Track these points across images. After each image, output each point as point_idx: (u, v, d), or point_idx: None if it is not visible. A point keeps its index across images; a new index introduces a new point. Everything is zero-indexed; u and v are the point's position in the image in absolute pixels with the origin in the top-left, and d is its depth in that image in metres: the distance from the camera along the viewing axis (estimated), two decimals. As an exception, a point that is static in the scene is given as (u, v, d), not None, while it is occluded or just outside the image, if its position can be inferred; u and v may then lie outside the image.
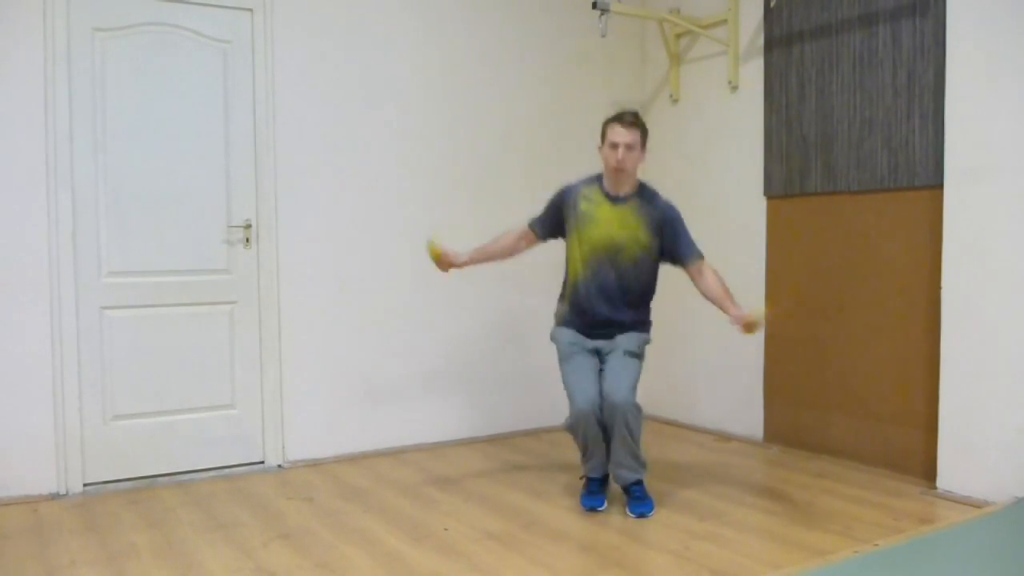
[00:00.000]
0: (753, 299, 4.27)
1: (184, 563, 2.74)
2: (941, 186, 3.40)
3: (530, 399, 4.57)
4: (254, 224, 3.87)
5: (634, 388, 3.16)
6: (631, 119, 3.17)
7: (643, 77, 4.92)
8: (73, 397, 3.50)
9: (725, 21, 4.35)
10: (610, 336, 3.26)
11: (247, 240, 3.86)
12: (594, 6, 3.98)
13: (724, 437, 4.41)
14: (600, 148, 3.24)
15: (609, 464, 3.24)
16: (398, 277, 4.20)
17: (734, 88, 4.38)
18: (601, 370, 3.22)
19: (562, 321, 3.37)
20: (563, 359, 3.29)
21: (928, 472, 3.48)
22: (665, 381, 4.79)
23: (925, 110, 3.51)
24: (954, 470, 3.34)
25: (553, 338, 3.38)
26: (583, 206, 3.24)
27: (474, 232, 4.24)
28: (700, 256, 3.25)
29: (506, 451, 4.18)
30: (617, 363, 3.18)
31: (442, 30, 4.30)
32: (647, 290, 3.31)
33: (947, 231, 3.36)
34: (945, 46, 3.36)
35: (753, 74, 4.28)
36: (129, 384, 3.63)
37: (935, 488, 3.40)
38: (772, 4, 4.11)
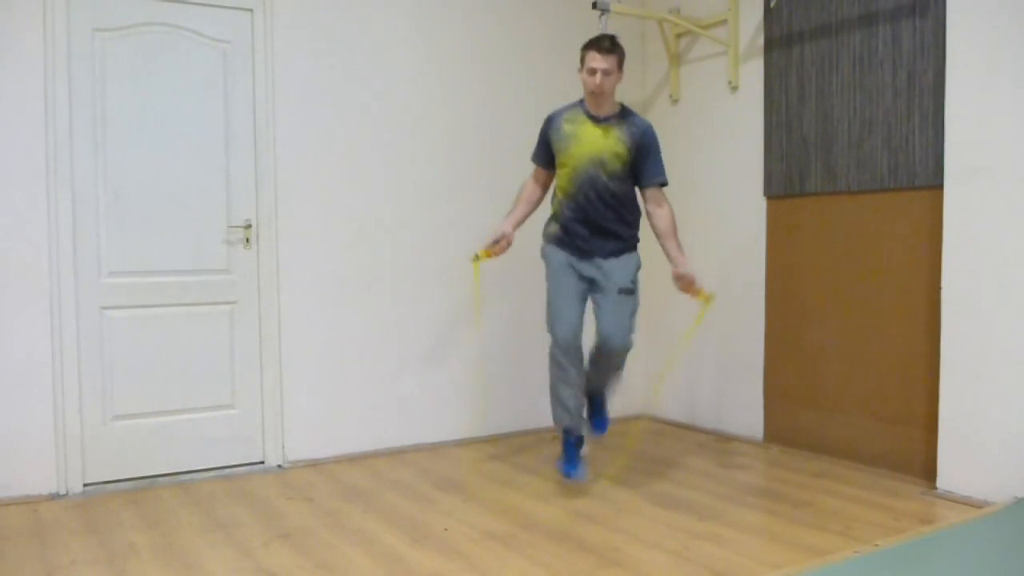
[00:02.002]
0: (753, 299, 4.29)
1: (184, 563, 2.74)
2: (941, 186, 3.40)
3: (530, 399, 4.56)
4: (254, 224, 3.87)
5: (632, 328, 3.37)
6: (608, 45, 3.30)
7: (643, 77, 4.92)
8: (73, 397, 3.50)
9: (725, 21, 4.35)
10: (602, 254, 3.37)
11: (247, 240, 3.86)
12: (594, 6, 3.98)
13: (724, 437, 4.41)
14: (580, 72, 3.36)
15: (586, 379, 3.46)
16: (398, 276, 4.20)
17: (734, 88, 4.38)
18: (595, 305, 3.37)
19: (553, 239, 3.48)
20: (551, 278, 3.44)
21: (928, 472, 3.48)
22: (665, 381, 4.79)
23: (925, 110, 3.51)
24: (954, 470, 3.34)
25: (544, 255, 3.53)
26: (567, 128, 3.40)
27: (474, 231, 4.25)
28: (663, 184, 3.40)
29: (506, 451, 4.18)
30: (612, 304, 3.33)
31: (442, 30, 4.30)
32: (631, 202, 3.43)
33: (947, 231, 3.36)
34: (945, 46, 3.36)
35: (753, 74, 4.28)
36: (129, 384, 3.63)
37: (935, 488, 3.40)
38: (772, 4, 4.11)
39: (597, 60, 3.27)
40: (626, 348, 3.35)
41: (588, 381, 3.49)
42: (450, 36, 4.32)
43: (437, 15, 4.28)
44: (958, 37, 3.30)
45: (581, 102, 3.43)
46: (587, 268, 3.38)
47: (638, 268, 3.44)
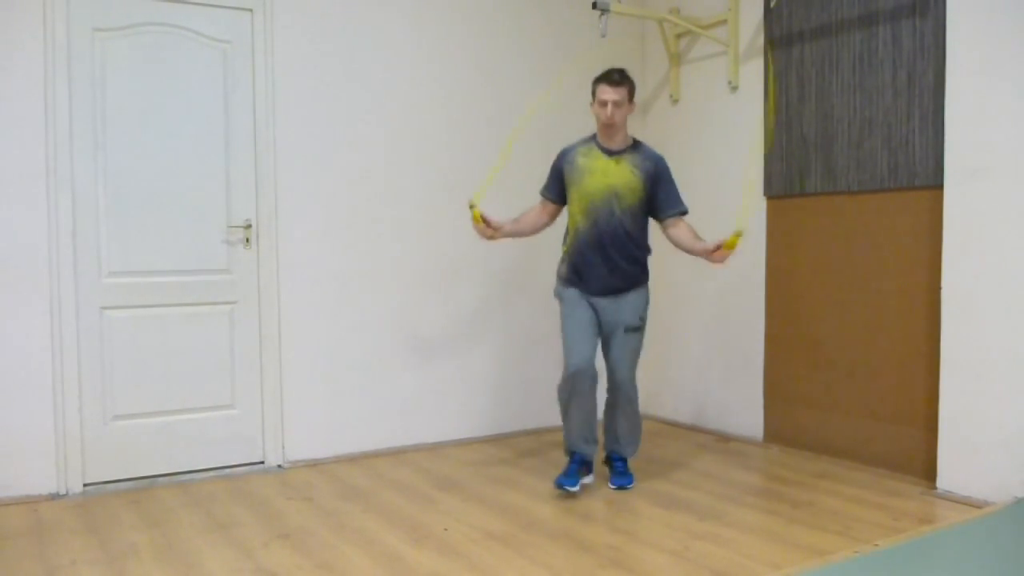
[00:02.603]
0: (753, 299, 4.29)
1: (184, 563, 2.74)
2: (941, 186, 3.40)
3: (530, 399, 4.57)
4: (254, 224, 3.87)
5: (635, 364, 3.51)
6: (618, 77, 3.35)
7: (643, 77, 4.92)
8: (73, 397, 3.50)
9: (725, 21, 4.35)
10: (613, 292, 3.41)
11: (247, 240, 3.86)
12: (594, 6, 3.98)
13: (724, 437, 4.41)
14: (592, 106, 3.41)
15: (606, 434, 3.61)
16: (398, 277, 4.20)
17: (734, 88, 4.38)
18: (603, 341, 3.48)
19: (565, 280, 3.52)
20: (565, 313, 3.48)
21: (928, 472, 3.48)
22: (665, 381, 4.79)
23: (925, 110, 3.51)
24: (954, 470, 3.34)
25: (557, 295, 3.56)
26: (580, 161, 3.43)
27: (474, 231, 4.25)
28: (683, 213, 3.42)
29: (506, 451, 4.18)
30: (619, 342, 3.45)
31: (441, 30, 4.30)
32: (643, 238, 3.47)
33: (947, 231, 3.36)
34: (945, 46, 3.36)
35: (753, 74, 4.28)
36: (129, 384, 3.63)
37: (935, 488, 3.40)
38: (772, 4, 4.11)
39: (608, 92, 3.31)
40: (628, 382, 3.49)
41: (607, 432, 3.63)
42: (450, 36, 4.32)
43: (437, 15, 4.28)
44: (958, 37, 3.30)
45: (594, 137, 3.47)
46: (598, 303, 3.44)
47: (647, 304, 3.50)
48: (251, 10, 3.83)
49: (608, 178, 3.36)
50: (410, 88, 4.21)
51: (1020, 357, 3.14)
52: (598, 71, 3.44)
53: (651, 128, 4.85)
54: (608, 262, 3.39)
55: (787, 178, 4.11)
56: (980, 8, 3.22)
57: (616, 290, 3.42)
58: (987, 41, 3.21)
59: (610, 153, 3.39)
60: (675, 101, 4.74)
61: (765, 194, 4.22)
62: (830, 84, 3.89)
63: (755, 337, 4.29)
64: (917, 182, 3.55)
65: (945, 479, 3.37)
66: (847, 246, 3.85)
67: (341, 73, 4.03)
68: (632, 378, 3.51)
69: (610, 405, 3.58)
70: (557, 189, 3.52)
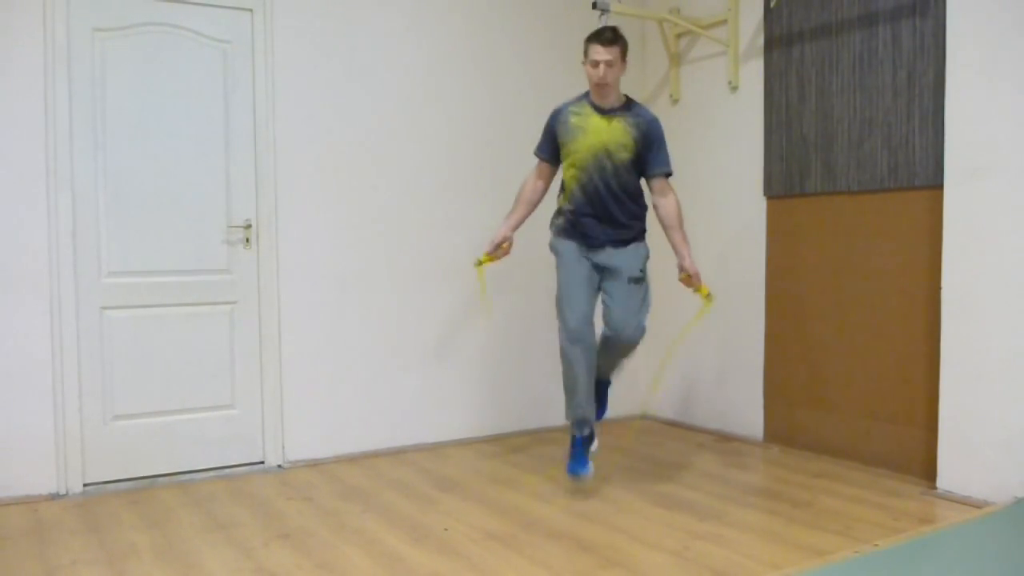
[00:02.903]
0: (753, 299, 4.29)
1: (184, 563, 2.74)
2: (941, 186, 3.40)
3: (530, 399, 4.57)
4: (254, 224, 3.87)
5: (643, 317, 3.40)
6: (610, 35, 3.32)
7: (643, 77, 4.92)
8: (73, 397, 3.50)
9: (725, 21, 4.35)
10: (611, 243, 3.39)
11: (247, 240, 3.86)
12: (594, 6, 3.98)
13: (724, 437, 4.41)
14: (584, 63, 3.38)
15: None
16: (398, 277, 4.20)
17: (734, 88, 4.38)
18: (605, 295, 3.40)
19: (561, 232, 3.49)
20: (562, 267, 3.43)
21: (928, 472, 3.48)
22: (665, 381, 4.79)
23: (925, 110, 3.51)
24: (954, 470, 3.34)
25: (552, 247, 3.51)
26: (573, 120, 3.41)
27: (474, 231, 4.26)
28: (668, 174, 3.43)
29: (506, 451, 4.18)
30: (623, 293, 3.37)
31: (441, 30, 4.30)
32: (637, 194, 3.45)
33: (947, 231, 3.36)
34: (945, 46, 3.36)
35: (753, 74, 4.28)
36: (129, 384, 3.63)
37: (935, 488, 3.40)
38: (772, 4, 4.11)
39: (599, 52, 3.29)
40: (637, 339, 3.39)
41: (597, 367, 3.49)
42: (449, 36, 4.32)
43: (436, 15, 4.28)
44: (958, 37, 3.30)
45: (587, 95, 3.44)
46: (597, 256, 3.40)
47: (646, 258, 3.47)
48: (251, 10, 3.83)
49: (601, 136, 3.34)
50: (410, 88, 4.21)
51: (1020, 357, 3.14)
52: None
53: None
54: (603, 218, 3.38)
55: (787, 178, 4.11)
56: (980, 8, 3.22)
57: (615, 242, 3.39)
58: (987, 41, 3.21)
59: (603, 112, 3.37)
60: (675, 101, 4.74)
61: (765, 194, 4.22)
62: (830, 84, 3.89)
63: (755, 337, 4.29)
64: (917, 182, 3.55)
65: (945, 479, 3.37)
66: (847, 246, 3.85)
67: (341, 73, 4.03)
68: (639, 336, 3.37)
69: (607, 355, 3.44)
70: (550, 148, 3.49)
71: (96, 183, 3.55)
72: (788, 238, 4.13)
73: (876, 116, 3.70)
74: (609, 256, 3.39)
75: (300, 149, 3.94)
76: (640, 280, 3.40)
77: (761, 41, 4.22)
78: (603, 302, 3.42)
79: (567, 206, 3.45)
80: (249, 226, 3.86)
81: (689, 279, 3.39)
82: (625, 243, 3.41)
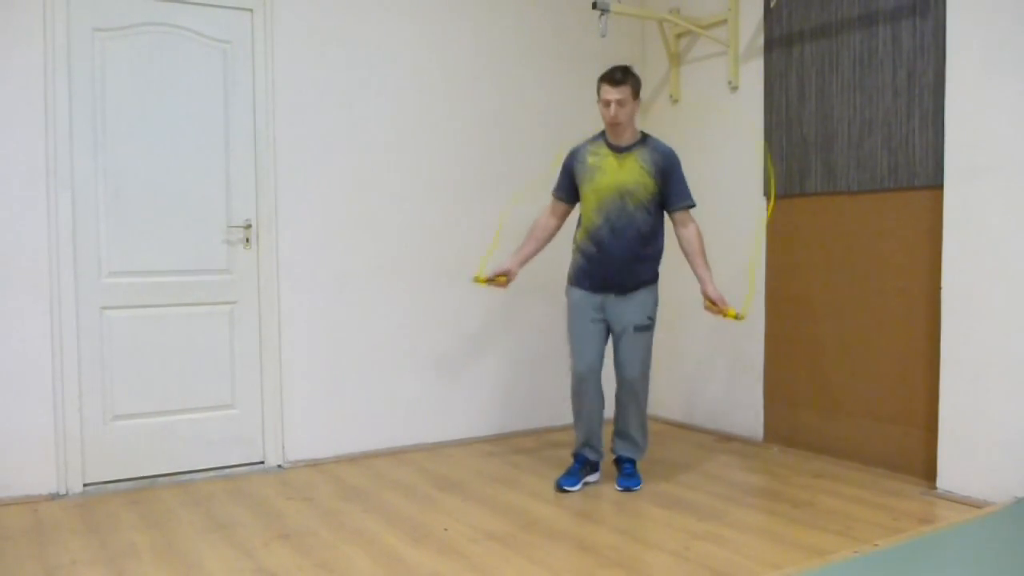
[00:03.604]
0: (754, 300, 4.28)
1: (184, 563, 2.74)
2: (941, 186, 3.40)
3: (530, 399, 4.57)
4: (254, 224, 3.87)
5: (645, 363, 3.49)
6: (620, 76, 3.36)
7: (643, 77, 4.90)
8: (73, 397, 3.50)
9: (725, 21, 4.35)
10: (621, 289, 3.42)
11: (247, 240, 3.86)
12: (594, 6, 3.98)
13: (724, 437, 4.41)
14: (598, 103, 3.42)
15: (615, 435, 3.62)
16: (398, 277, 4.20)
17: (734, 88, 4.38)
18: (613, 338, 3.49)
19: (574, 279, 3.54)
20: (572, 318, 3.51)
21: (928, 472, 3.48)
22: (665, 381, 4.79)
23: (925, 110, 3.51)
24: (954, 470, 3.34)
25: (566, 293, 3.59)
26: (591, 160, 3.44)
27: (475, 231, 4.26)
28: (690, 206, 3.46)
29: (506, 451, 4.18)
30: (627, 342, 3.45)
31: (442, 30, 4.30)
32: (654, 236, 3.46)
33: (947, 231, 3.36)
34: (945, 46, 3.36)
35: (753, 74, 4.28)
36: (129, 384, 3.63)
37: (935, 488, 3.40)
38: (772, 4, 4.11)
39: (610, 92, 3.33)
40: (637, 380, 3.48)
41: (616, 433, 3.64)
42: (451, 34, 4.32)
43: (437, 14, 4.28)
44: (958, 37, 3.30)
45: (602, 134, 3.48)
46: (606, 302, 3.45)
47: (655, 304, 3.50)
48: (251, 10, 3.83)
49: (618, 176, 3.37)
50: (410, 87, 4.21)
51: (1020, 357, 3.14)
52: (600, 69, 3.44)
53: (651, 128, 4.81)
54: (617, 260, 3.39)
55: (787, 178, 4.11)
56: (980, 8, 3.22)
57: (624, 288, 3.42)
58: (987, 41, 3.21)
59: (619, 150, 3.40)
60: (675, 101, 4.74)
61: (765, 194, 4.22)
62: (830, 84, 3.89)
63: (755, 337, 4.29)
64: (917, 182, 3.55)
65: (945, 479, 3.37)
66: (847, 246, 3.85)
67: (341, 73, 4.03)
68: (642, 377, 3.49)
69: (620, 404, 3.58)
70: (568, 187, 3.52)
71: (96, 183, 3.55)
72: (788, 238, 4.13)
73: (876, 116, 3.70)
74: (617, 302, 3.43)
75: (300, 149, 3.94)
76: (646, 328, 3.46)
77: (761, 41, 4.22)
78: (613, 346, 3.51)
79: (582, 244, 3.48)
80: (249, 226, 3.86)
81: (713, 305, 3.38)
82: (635, 289, 3.43)
